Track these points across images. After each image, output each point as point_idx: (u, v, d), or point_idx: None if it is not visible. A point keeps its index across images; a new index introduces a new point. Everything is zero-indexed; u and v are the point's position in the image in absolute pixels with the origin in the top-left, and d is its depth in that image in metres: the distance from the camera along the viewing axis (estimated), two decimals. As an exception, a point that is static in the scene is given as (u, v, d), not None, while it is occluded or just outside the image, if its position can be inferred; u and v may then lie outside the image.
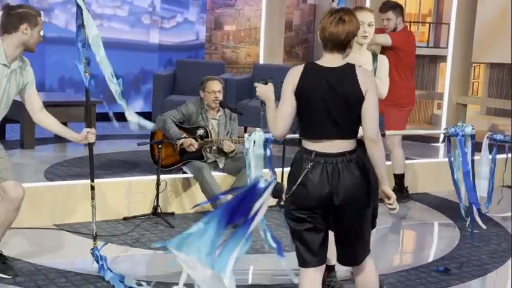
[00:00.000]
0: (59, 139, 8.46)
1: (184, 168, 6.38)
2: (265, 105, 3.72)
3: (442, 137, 5.30)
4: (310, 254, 3.49)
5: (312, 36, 12.63)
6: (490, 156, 6.11)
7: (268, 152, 4.34)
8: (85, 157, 7.44)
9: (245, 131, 8.97)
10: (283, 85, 3.47)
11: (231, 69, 11.15)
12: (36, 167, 6.92)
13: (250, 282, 4.79)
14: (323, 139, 3.40)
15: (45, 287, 4.46)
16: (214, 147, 6.36)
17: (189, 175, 6.29)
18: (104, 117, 9.32)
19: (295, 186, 3.39)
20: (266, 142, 4.35)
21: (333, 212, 3.44)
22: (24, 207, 5.61)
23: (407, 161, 7.06)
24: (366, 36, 4.38)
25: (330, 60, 3.44)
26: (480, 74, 13.83)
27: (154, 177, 5.97)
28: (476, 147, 5.70)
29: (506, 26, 13.42)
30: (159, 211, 5.96)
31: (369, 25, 4.37)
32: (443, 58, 12.10)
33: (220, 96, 6.32)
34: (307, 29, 12.65)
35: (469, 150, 4.82)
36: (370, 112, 3.42)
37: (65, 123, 8.47)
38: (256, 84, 3.74)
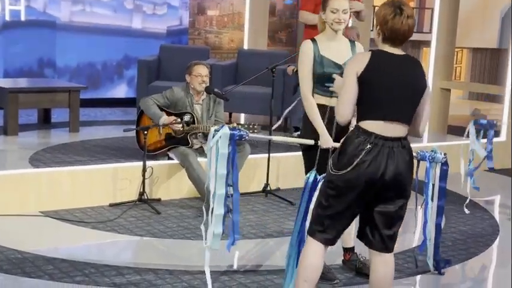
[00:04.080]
0: (42, 125, 8.43)
1: (170, 154, 6.37)
2: None
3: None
4: (333, 231, 3.58)
5: (295, 21, 12.60)
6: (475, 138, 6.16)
7: (230, 149, 4.26)
8: (69, 144, 7.44)
9: (230, 117, 8.97)
10: (348, 70, 3.55)
11: (214, 55, 11.11)
12: (20, 154, 6.86)
13: (235, 267, 4.80)
14: (385, 121, 3.48)
15: (32, 274, 4.44)
16: (200, 133, 6.35)
17: (176, 161, 6.28)
18: (88, 103, 9.33)
19: (351, 167, 3.46)
20: (232, 139, 4.27)
21: (380, 195, 3.52)
22: (10, 194, 5.61)
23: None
24: (341, 22, 4.37)
25: (393, 50, 3.55)
26: (463, 58, 13.90)
27: (140, 163, 5.95)
28: (463, 134, 5.72)
29: (489, 10, 13.49)
30: (146, 197, 5.95)
31: (344, 12, 4.36)
32: (426, 43, 12.15)
33: (207, 80, 6.31)
34: (290, 14, 12.62)
35: (436, 177, 4.77)
36: (427, 108, 3.62)
37: (49, 109, 8.49)
38: (334, 76, 3.84)
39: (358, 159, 3.45)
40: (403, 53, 3.58)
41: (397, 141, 3.50)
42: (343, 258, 4.80)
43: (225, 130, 4.21)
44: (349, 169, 3.46)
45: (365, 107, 3.51)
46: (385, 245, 3.65)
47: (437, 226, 4.83)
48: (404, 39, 3.53)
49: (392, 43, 3.54)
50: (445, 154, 4.72)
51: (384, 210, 3.58)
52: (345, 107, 3.53)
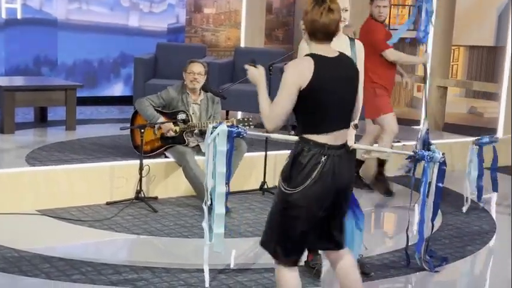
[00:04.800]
0: (39, 124, 8.41)
1: (167, 153, 6.36)
2: None
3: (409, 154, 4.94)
4: (300, 251, 3.48)
5: (292, 19, 12.59)
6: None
7: (228, 147, 4.28)
8: (66, 142, 7.43)
9: (227, 115, 8.97)
10: (288, 80, 3.29)
11: (210, 53, 11.09)
12: (17, 152, 6.86)
13: (233, 265, 4.80)
14: (334, 131, 3.39)
15: (29, 272, 4.44)
16: (196, 131, 6.35)
17: (172, 159, 6.27)
18: (84, 101, 9.32)
19: (310, 182, 3.31)
20: (230, 136, 4.28)
21: (335, 203, 3.45)
22: (6, 193, 5.61)
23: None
24: (341, 21, 4.35)
25: (325, 50, 3.40)
26: (459, 56, 13.88)
27: (137, 161, 5.94)
28: (460, 131, 5.72)
29: (486, 8, 13.49)
30: (142, 195, 5.94)
31: (344, 10, 4.34)
32: (423, 41, 12.12)
33: (200, 79, 6.30)
34: (287, 12, 12.61)
35: (434, 177, 4.74)
36: (360, 95, 3.59)
37: (45, 108, 8.47)
38: (246, 66, 3.53)
39: (316, 173, 3.31)
40: (335, 53, 3.43)
41: (344, 148, 3.42)
42: None
43: (223, 127, 4.21)
44: (307, 184, 3.32)
45: (313, 119, 3.36)
46: (339, 241, 3.58)
47: (432, 224, 4.83)
48: (327, 33, 3.35)
49: (316, 38, 3.37)
50: (443, 154, 4.70)
51: (338, 213, 3.51)
52: (280, 118, 3.33)
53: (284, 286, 3.47)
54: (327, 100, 3.34)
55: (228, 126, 4.27)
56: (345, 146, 3.44)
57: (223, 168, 4.24)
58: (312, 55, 3.36)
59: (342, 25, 4.40)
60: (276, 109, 3.33)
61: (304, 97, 3.31)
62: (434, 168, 4.69)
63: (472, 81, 11.53)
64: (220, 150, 4.22)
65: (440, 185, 4.74)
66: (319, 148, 3.34)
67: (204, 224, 4.35)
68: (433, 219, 4.84)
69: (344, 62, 3.46)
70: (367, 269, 4.69)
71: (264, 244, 3.54)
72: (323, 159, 3.33)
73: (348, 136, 4.35)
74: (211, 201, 4.29)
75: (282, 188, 3.38)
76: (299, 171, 3.34)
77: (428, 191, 4.78)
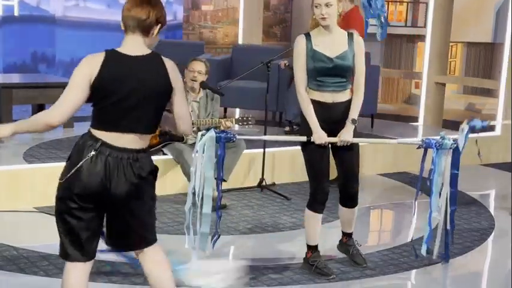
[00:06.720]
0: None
1: (165, 150, 6.35)
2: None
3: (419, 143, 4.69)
4: (79, 250, 3.29)
5: (289, 16, 12.59)
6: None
7: (219, 151, 4.34)
8: (64, 139, 7.41)
9: (225, 112, 8.95)
10: (75, 72, 3.16)
11: (208, 50, 11.09)
12: (14, 150, 6.83)
13: (231, 262, 4.79)
14: (117, 132, 3.20)
15: (27, 270, 4.43)
16: (194, 129, 6.33)
17: (170, 156, 6.27)
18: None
19: (71, 173, 3.14)
20: (219, 142, 4.34)
21: (115, 206, 3.23)
22: (4, 190, 5.59)
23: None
24: (325, 17, 4.30)
25: (133, 45, 3.24)
26: (457, 53, 13.91)
27: (135, 158, 5.92)
28: (458, 128, 5.72)
29: (484, 4, 13.50)
30: (141, 193, 5.93)
31: (327, 5, 4.27)
32: (421, 37, 12.15)
33: (199, 77, 6.29)
34: (284, 9, 12.61)
35: (448, 165, 4.61)
36: (185, 108, 3.34)
37: (42, 105, 8.45)
38: None
39: (80, 165, 3.13)
40: (144, 51, 3.25)
41: (128, 153, 3.19)
42: (340, 239, 4.84)
43: (211, 133, 4.27)
44: (69, 175, 3.14)
45: (96, 113, 3.23)
46: (126, 243, 3.43)
47: (452, 213, 4.73)
48: (138, 23, 3.24)
49: (127, 28, 3.24)
50: (454, 140, 4.59)
51: (121, 219, 3.30)
52: (63, 109, 3.17)
53: (64, 282, 3.36)
54: (109, 98, 3.17)
55: (216, 132, 4.32)
56: (133, 152, 3.20)
57: (210, 173, 4.30)
58: (108, 50, 3.22)
59: (327, 22, 4.32)
60: (60, 99, 3.19)
61: (92, 91, 3.17)
62: (448, 155, 4.57)
63: (470, 78, 11.55)
64: (209, 156, 4.29)
65: (456, 171, 4.60)
66: (93, 141, 3.19)
67: (186, 228, 4.40)
68: (453, 208, 4.71)
69: (151, 64, 3.25)
70: (361, 259, 4.74)
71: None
72: (92, 153, 3.16)
73: (345, 132, 4.35)
74: (196, 204, 4.37)
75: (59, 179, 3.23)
76: (70, 160, 3.21)
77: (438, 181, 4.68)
